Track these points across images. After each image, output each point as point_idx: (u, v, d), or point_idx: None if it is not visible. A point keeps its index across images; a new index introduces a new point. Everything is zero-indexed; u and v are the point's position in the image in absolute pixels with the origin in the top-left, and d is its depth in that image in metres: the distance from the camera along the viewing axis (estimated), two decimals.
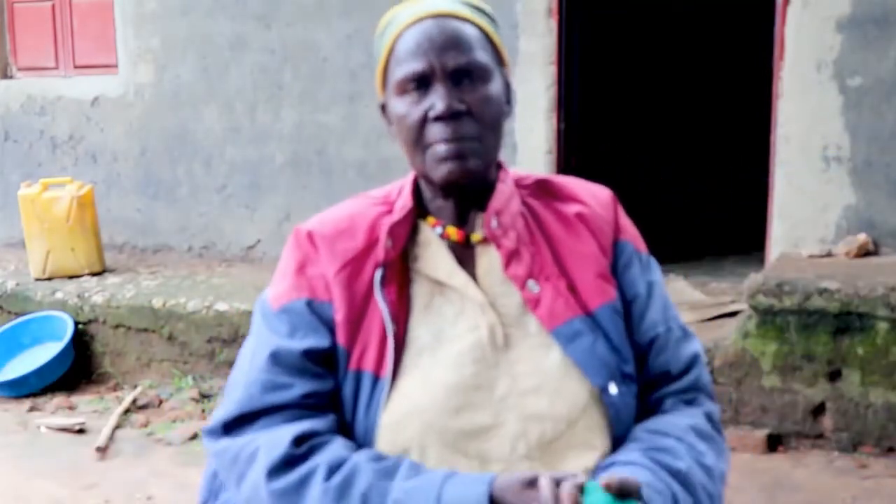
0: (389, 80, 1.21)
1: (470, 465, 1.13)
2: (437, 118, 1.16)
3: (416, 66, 1.16)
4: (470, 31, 1.19)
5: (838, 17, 4.41)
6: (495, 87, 1.21)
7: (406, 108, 1.18)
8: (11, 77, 6.60)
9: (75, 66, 6.34)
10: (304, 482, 1.11)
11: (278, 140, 5.73)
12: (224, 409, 1.20)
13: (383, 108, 1.25)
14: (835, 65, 4.44)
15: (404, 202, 1.24)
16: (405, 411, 1.14)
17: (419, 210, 1.26)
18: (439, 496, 1.05)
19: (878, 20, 4.36)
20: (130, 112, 6.09)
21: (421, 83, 1.17)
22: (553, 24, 4.99)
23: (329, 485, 1.09)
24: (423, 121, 1.17)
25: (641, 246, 1.31)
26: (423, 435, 1.13)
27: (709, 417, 1.25)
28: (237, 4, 5.72)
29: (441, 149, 1.16)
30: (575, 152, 5.48)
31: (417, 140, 1.18)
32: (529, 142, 5.08)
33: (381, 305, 1.17)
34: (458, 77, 1.17)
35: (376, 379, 1.15)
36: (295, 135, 5.69)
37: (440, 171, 1.17)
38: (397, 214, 1.22)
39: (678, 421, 1.21)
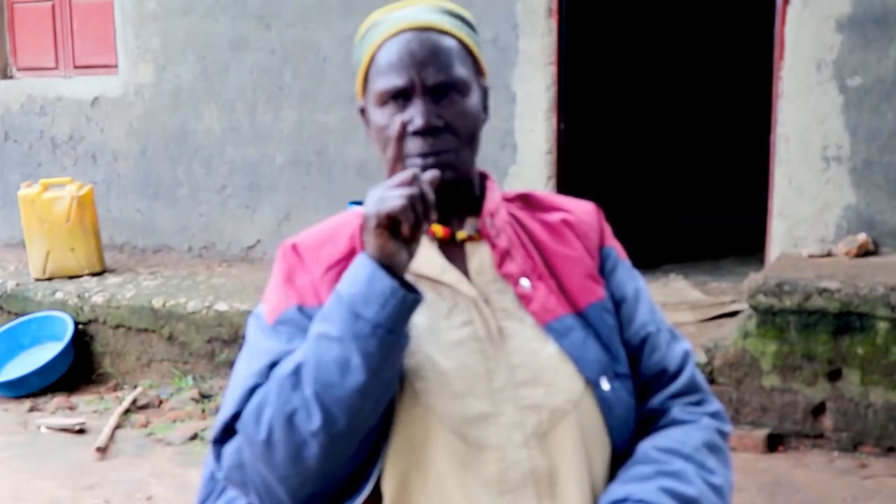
0: (369, 88, 1.24)
1: (469, 451, 1.15)
2: (416, 133, 1.19)
3: (396, 80, 1.20)
4: (450, 45, 1.22)
5: (838, 17, 4.41)
6: (473, 99, 1.24)
7: (385, 119, 1.22)
8: (11, 77, 6.60)
9: (75, 67, 6.35)
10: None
11: (278, 140, 5.73)
12: (221, 413, 1.19)
13: (362, 111, 1.29)
14: (835, 65, 4.44)
15: None
16: (407, 394, 1.15)
17: None
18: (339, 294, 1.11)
19: (878, 20, 4.36)
20: (130, 112, 6.09)
21: (400, 96, 1.20)
22: (553, 24, 4.99)
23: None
24: (402, 133, 1.20)
25: (624, 255, 1.35)
26: (428, 418, 1.15)
27: (717, 418, 1.27)
28: (237, 4, 5.72)
29: (418, 163, 1.20)
30: (575, 152, 5.48)
31: (396, 151, 1.21)
32: (529, 142, 5.08)
33: None
34: (437, 92, 1.20)
35: None
36: (295, 135, 5.69)
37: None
38: None
39: (689, 438, 1.22)
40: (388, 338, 1.06)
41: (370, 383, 1.07)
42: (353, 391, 1.06)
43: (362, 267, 1.09)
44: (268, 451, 1.10)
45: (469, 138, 1.23)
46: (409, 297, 1.08)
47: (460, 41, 1.23)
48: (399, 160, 1.21)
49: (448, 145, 1.20)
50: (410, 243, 1.10)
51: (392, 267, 1.09)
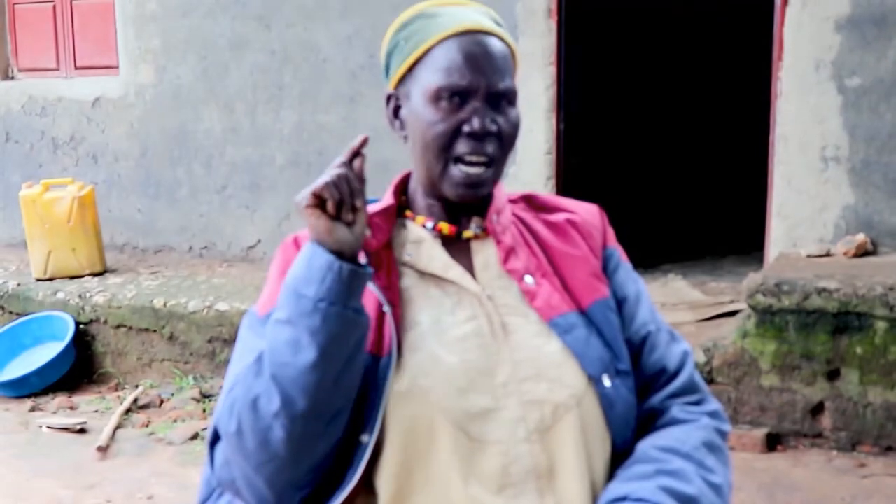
0: (417, 80, 1.23)
1: (472, 446, 1.16)
2: (470, 134, 1.20)
3: (461, 81, 1.20)
4: (505, 54, 1.24)
5: (837, 18, 4.42)
6: (518, 110, 1.26)
7: (437, 116, 1.21)
8: (12, 78, 6.62)
9: (76, 67, 6.36)
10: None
11: (278, 140, 5.74)
12: (216, 415, 1.20)
13: (389, 98, 1.28)
14: (833, 65, 4.45)
15: (385, 199, 1.29)
16: (411, 389, 1.16)
17: (403, 207, 1.30)
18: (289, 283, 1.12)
19: (877, 20, 4.36)
20: (131, 113, 6.10)
21: (458, 96, 1.20)
22: (553, 24, 5.00)
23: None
24: (454, 133, 1.20)
25: (626, 258, 1.37)
26: (431, 413, 1.15)
27: (716, 417, 1.28)
28: (237, 5, 5.73)
29: (462, 172, 1.21)
30: (574, 152, 5.49)
31: (442, 150, 1.21)
32: (529, 142, 5.09)
33: (373, 289, 1.20)
34: (495, 99, 1.22)
35: (377, 359, 1.17)
36: (295, 135, 5.70)
37: (454, 192, 1.22)
38: (376, 207, 1.27)
39: (688, 437, 1.23)
40: (330, 310, 1.07)
41: (321, 359, 1.08)
42: (306, 368, 1.08)
43: (304, 251, 1.11)
44: (239, 440, 1.12)
45: (510, 147, 1.25)
46: (345, 269, 1.08)
47: (511, 52, 1.26)
48: (444, 159, 1.22)
49: (494, 152, 1.21)
50: (349, 223, 1.10)
51: (330, 244, 1.10)
